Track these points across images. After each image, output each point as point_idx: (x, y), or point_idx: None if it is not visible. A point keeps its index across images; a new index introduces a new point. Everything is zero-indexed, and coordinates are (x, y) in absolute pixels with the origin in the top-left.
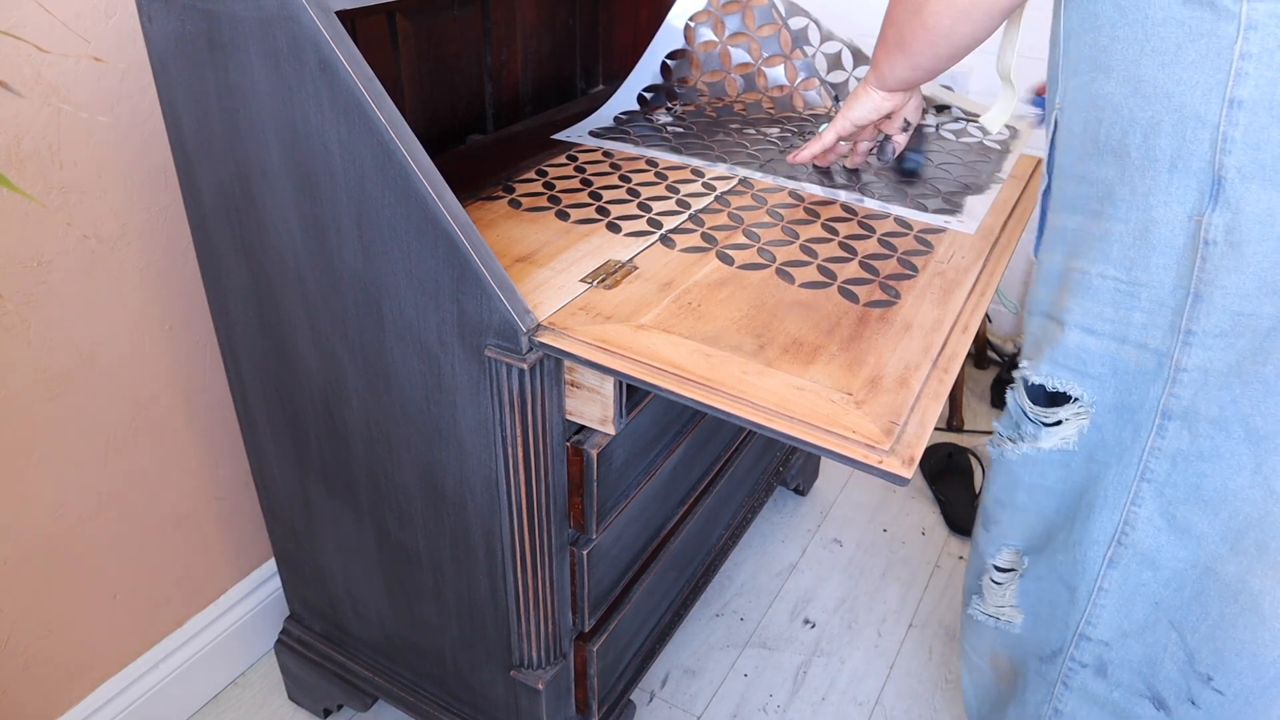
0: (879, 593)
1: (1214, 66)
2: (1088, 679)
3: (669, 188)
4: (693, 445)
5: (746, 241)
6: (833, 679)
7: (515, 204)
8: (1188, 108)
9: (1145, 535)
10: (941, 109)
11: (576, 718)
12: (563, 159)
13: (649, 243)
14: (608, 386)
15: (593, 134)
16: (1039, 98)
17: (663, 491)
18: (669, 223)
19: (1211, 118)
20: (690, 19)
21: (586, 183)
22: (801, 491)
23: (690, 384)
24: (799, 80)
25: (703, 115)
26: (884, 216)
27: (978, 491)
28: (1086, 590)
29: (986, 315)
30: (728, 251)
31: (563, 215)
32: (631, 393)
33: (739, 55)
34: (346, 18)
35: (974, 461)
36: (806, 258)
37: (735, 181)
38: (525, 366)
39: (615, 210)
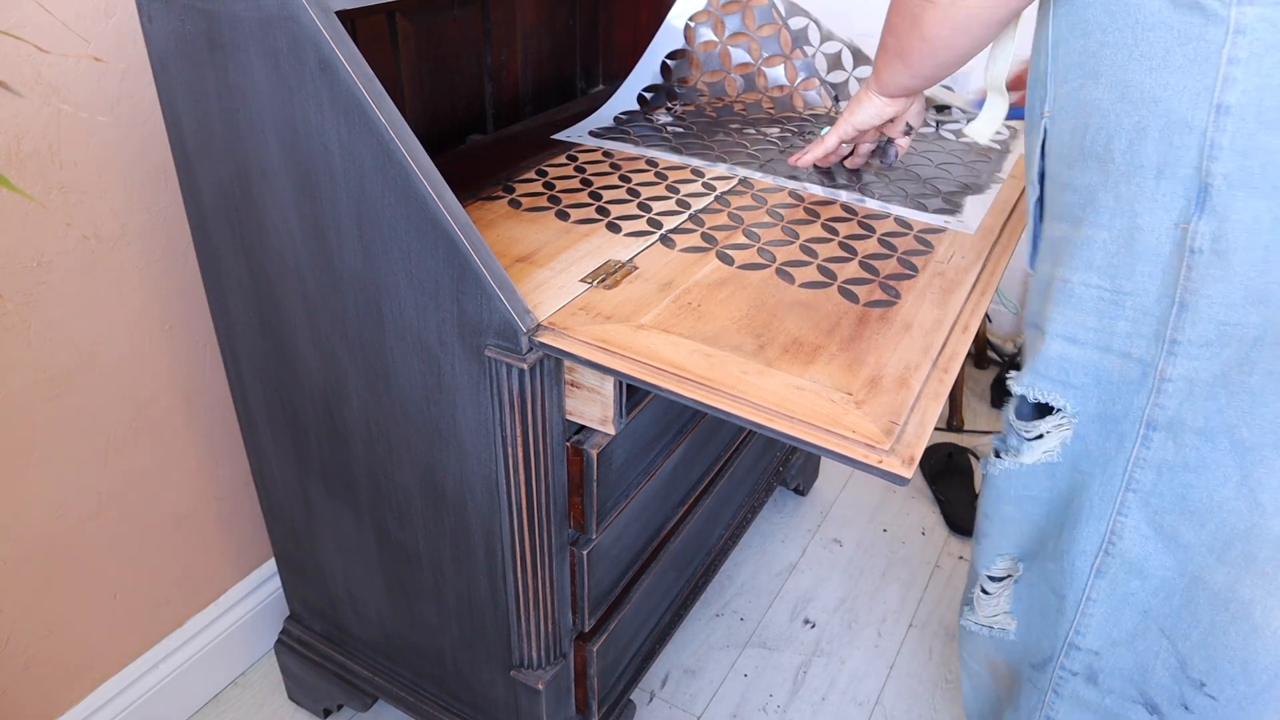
0: (879, 593)
1: (1202, 71)
2: (1078, 686)
3: (669, 188)
4: (693, 445)
5: (746, 241)
6: (833, 679)
7: (515, 204)
8: (1175, 113)
9: (1132, 545)
10: (942, 109)
11: (576, 718)
12: (563, 159)
13: (649, 243)
14: (608, 386)
15: (593, 134)
16: (1016, 109)
17: (663, 491)
18: (669, 223)
19: (1199, 123)
20: (690, 19)
21: (586, 183)
22: (801, 491)
23: (690, 384)
24: (799, 80)
25: (703, 115)
26: (884, 216)
27: (978, 491)
28: (1075, 599)
29: (986, 315)
30: (728, 251)
31: (563, 215)
32: (631, 393)
33: (739, 55)
34: (346, 18)
35: (974, 461)
36: (806, 258)
37: (735, 181)
38: (525, 366)
39: (615, 210)
